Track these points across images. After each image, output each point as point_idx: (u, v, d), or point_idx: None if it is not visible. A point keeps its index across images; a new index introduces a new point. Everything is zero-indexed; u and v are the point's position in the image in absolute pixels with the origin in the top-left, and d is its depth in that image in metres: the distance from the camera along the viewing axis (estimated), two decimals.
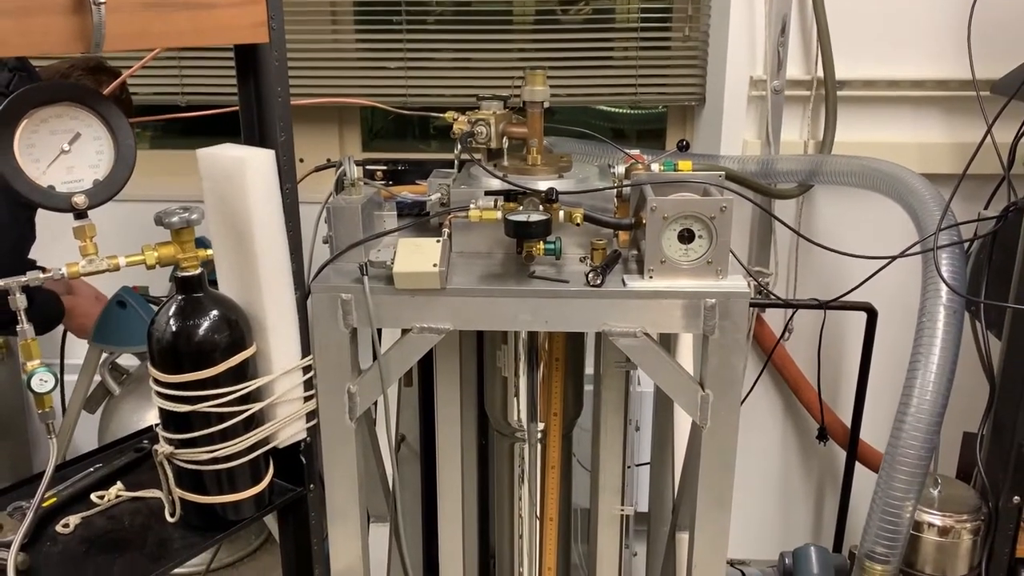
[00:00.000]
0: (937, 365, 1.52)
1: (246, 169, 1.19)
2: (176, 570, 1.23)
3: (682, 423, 1.84)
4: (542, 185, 1.38)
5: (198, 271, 1.21)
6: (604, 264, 1.32)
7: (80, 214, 1.10)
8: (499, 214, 1.33)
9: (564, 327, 1.34)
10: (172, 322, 1.19)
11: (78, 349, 2.27)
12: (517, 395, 1.63)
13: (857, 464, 2.29)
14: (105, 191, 1.11)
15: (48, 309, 1.99)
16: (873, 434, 2.28)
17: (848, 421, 2.28)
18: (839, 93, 2.15)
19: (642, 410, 2.23)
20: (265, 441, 1.29)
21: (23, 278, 1.08)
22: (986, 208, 1.87)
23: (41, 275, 1.10)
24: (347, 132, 2.60)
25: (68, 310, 2.11)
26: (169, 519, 1.29)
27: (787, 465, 2.56)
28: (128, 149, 1.12)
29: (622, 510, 1.69)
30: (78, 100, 1.09)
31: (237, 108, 1.27)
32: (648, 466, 2.09)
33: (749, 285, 1.30)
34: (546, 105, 1.49)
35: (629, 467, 1.71)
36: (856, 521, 2.33)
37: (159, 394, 1.21)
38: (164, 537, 1.27)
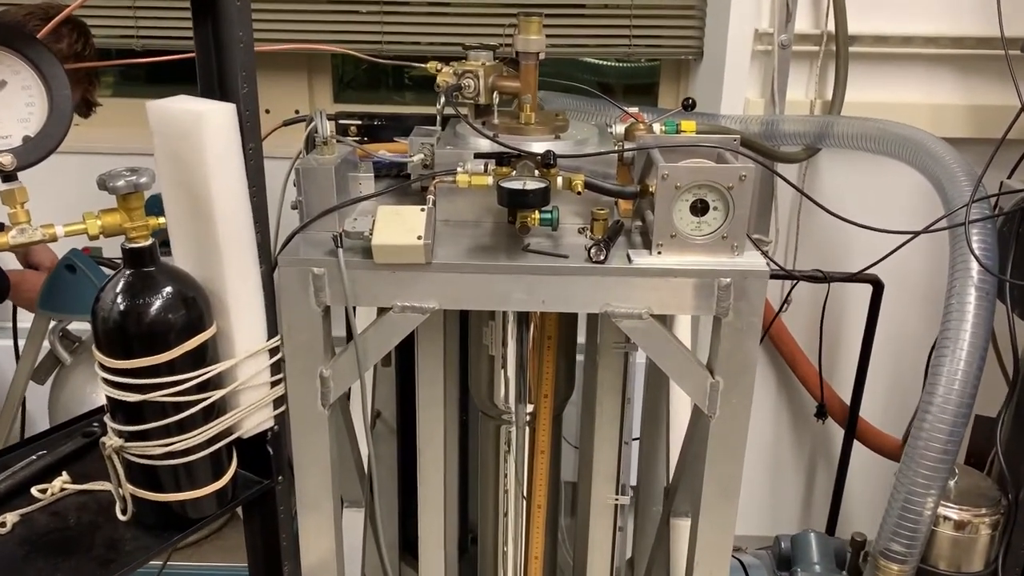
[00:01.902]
0: (967, 352, 1.42)
1: (203, 125, 1.06)
2: None
3: (678, 400, 1.75)
4: (537, 147, 1.26)
5: (148, 242, 1.07)
6: (607, 237, 1.20)
7: (8, 176, 0.97)
8: (490, 180, 1.20)
9: (562, 307, 1.22)
10: (120, 300, 1.06)
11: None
12: (505, 375, 1.52)
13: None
14: (37, 149, 0.98)
15: None
16: (872, 412, 2.19)
17: (845, 397, 2.20)
18: (850, 49, 2.02)
19: (633, 383, 2.13)
20: (227, 432, 1.17)
21: None
22: (1009, 177, 1.76)
23: None
24: (317, 82, 2.47)
25: (15, 285, 1.99)
26: (120, 517, 1.16)
27: (779, 441, 2.49)
28: (64, 101, 0.99)
29: (617, 499, 1.58)
30: (2, 42, 0.94)
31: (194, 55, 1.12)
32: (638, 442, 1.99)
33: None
34: (541, 56, 1.37)
35: (626, 443, 1.61)
36: (851, 501, 2.26)
37: (106, 381, 1.08)
38: (114, 537, 1.15)
